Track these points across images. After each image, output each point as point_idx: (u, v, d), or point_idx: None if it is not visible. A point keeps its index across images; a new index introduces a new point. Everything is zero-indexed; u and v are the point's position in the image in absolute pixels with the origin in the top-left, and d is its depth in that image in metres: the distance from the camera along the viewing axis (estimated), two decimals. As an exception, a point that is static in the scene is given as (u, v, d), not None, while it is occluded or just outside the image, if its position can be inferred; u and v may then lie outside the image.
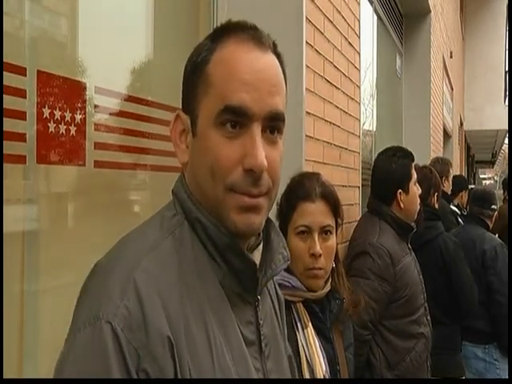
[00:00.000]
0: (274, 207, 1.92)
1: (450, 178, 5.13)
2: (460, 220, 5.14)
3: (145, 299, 0.85)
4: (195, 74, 1.00)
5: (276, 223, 1.89)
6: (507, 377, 3.97)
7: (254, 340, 1.01)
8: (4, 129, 1.34)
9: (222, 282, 0.97)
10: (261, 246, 1.06)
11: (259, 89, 0.95)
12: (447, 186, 5.00)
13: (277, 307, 1.20)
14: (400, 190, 2.81)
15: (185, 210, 1.00)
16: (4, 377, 1.27)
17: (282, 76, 1.02)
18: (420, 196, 2.95)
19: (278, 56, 1.02)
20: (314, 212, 1.82)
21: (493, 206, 4.44)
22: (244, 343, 0.99)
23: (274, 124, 0.98)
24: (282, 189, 1.91)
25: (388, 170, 2.85)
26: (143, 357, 0.83)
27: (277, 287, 1.24)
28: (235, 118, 0.94)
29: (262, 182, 0.96)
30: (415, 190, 2.87)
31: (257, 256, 1.04)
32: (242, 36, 0.98)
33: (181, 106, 1.04)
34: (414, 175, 2.88)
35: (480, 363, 4.10)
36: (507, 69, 16.32)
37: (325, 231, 1.82)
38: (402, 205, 2.81)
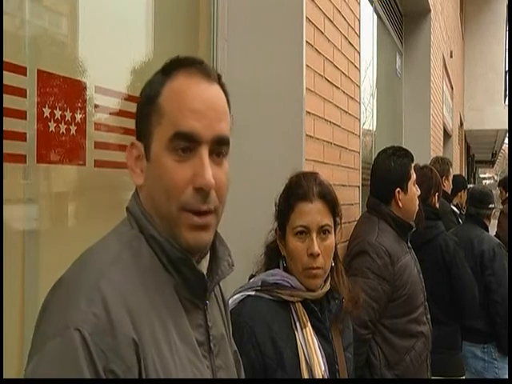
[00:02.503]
0: (273, 207, 1.92)
1: (451, 178, 5.12)
2: (460, 220, 5.14)
3: (111, 306, 0.93)
4: (148, 105, 1.10)
5: (274, 224, 1.91)
6: (506, 376, 3.98)
7: (204, 341, 1.12)
8: (4, 128, 1.34)
9: (175, 289, 1.08)
10: (208, 256, 1.16)
11: (207, 116, 1.06)
12: (447, 186, 5.00)
13: (222, 308, 1.31)
14: (398, 189, 2.80)
15: (140, 227, 1.09)
16: (4, 375, 1.28)
17: (227, 104, 1.13)
18: (420, 196, 2.95)
19: (223, 86, 1.14)
20: (312, 212, 1.82)
21: (490, 206, 4.44)
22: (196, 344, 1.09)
23: (219, 147, 1.09)
24: (280, 189, 1.91)
25: (387, 169, 2.85)
26: (110, 358, 0.90)
27: (222, 290, 1.35)
28: (185, 143, 1.05)
29: (210, 200, 1.06)
30: (414, 190, 2.86)
31: (204, 265, 1.15)
32: (190, 70, 1.09)
33: (135, 135, 1.14)
34: (413, 175, 2.88)
35: (479, 363, 4.10)
36: (507, 68, 16.32)
37: (323, 231, 1.82)
38: (400, 204, 2.80)
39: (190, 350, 1.06)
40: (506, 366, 4.01)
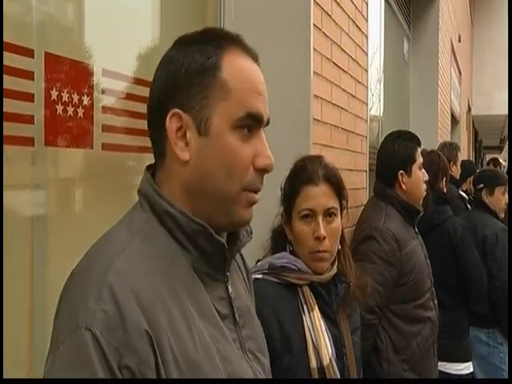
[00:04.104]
0: (278, 192, 1.92)
1: (459, 163, 5.10)
2: (468, 205, 5.12)
3: (120, 299, 0.91)
4: (206, 76, 1.05)
5: (280, 208, 1.91)
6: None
7: (228, 313, 1.10)
8: (12, 111, 1.34)
9: (193, 265, 1.05)
10: None
11: (265, 98, 1.09)
12: (455, 171, 4.98)
13: (245, 278, 1.30)
14: (402, 171, 2.80)
15: (152, 205, 1.05)
16: (14, 363, 1.29)
17: None
18: (428, 181, 2.95)
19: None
20: (318, 195, 1.82)
21: (478, 186, 4.41)
22: (219, 318, 1.07)
23: (263, 128, 1.10)
24: (286, 173, 1.91)
25: (391, 151, 2.85)
26: (123, 353, 0.88)
27: (244, 259, 1.33)
28: (252, 123, 1.05)
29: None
30: (419, 174, 2.85)
31: (223, 236, 1.12)
32: (242, 47, 1.10)
33: (169, 103, 1.05)
34: (420, 159, 2.87)
35: (484, 347, 4.09)
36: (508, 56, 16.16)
37: (329, 213, 1.82)
38: (404, 187, 2.80)
39: (212, 325, 1.04)
40: None
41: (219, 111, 1.04)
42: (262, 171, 1.07)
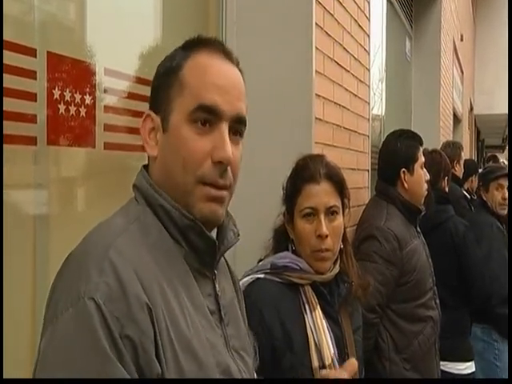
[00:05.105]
0: (280, 191, 1.92)
1: (462, 162, 5.09)
2: (471, 205, 5.11)
3: (121, 273, 0.93)
4: (168, 77, 1.10)
5: (282, 207, 1.91)
6: (506, 359, 3.95)
7: (215, 310, 1.12)
8: (14, 110, 1.34)
9: (185, 259, 1.08)
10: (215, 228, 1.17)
11: (229, 93, 1.08)
12: (459, 170, 4.97)
13: (230, 279, 1.30)
14: (404, 170, 2.80)
15: (147, 199, 1.09)
16: (15, 362, 1.28)
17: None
18: (430, 180, 2.95)
19: (241, 72, 1.16)
20: (319, 193, 1.82)
21: (479, 185, 4.39)
22: (209, 312, 1.10)
23: (238, 126, 1.10)
24: (289, 172, 1.91)
25: (393, 149, 2.86)
26: (125, 324, 0.90)
27: (229, 265, 1.35)
28: (206, 116, 1.06)
29: (226, 175, 1.07)
30: (421, 172, 2.86)
31: (212, 236, 1.14)
32: (213, 48, 1.11)
33: (149, 107, 1.14)
34: (421, 158, 2.87)
35: (479, 343, 4.05)
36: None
37: (331, 212, 1.81)
38: (406, 185, 2.80)
39: (203, 317, 1.07)
40: (507, 349, 3.98)
41: (176, 107, 1.08)
42: (219, 164, 1.06)
